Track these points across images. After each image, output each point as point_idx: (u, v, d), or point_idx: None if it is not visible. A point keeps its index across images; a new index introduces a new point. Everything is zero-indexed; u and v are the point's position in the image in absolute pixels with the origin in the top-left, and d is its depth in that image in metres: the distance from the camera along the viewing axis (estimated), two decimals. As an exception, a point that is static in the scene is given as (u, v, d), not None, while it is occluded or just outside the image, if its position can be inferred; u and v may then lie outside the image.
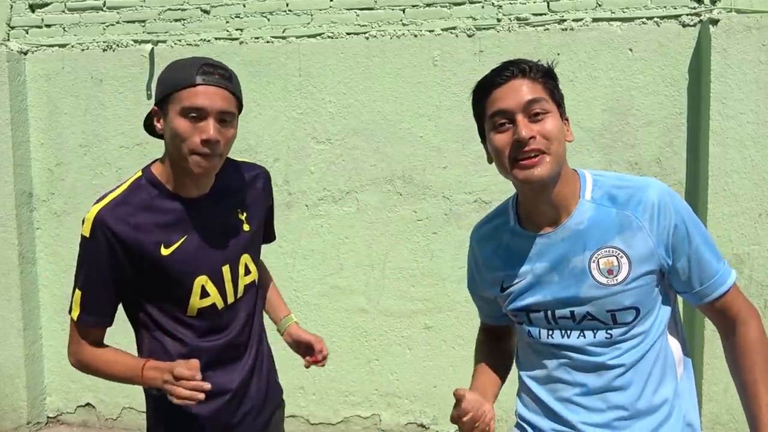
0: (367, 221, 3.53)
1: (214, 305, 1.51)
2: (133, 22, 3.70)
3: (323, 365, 1.74)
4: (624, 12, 3.25)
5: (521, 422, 1.39)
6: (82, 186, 3.79)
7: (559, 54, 3.30)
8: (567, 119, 1.31)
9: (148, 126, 1.52)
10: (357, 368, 3.64)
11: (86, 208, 3.83)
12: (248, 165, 1.67)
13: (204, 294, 1.49)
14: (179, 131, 1.38)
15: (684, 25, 3.21)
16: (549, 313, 1.29)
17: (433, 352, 3.57)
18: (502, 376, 1.46)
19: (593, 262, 1.25)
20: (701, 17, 3.18)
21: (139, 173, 1.49)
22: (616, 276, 1.24)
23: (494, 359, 1.48)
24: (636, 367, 1.26)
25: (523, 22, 3.33)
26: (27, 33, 3.82)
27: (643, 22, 3.23)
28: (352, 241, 3.54)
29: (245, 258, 1.57)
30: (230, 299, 1.54)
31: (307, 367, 1.76)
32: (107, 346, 1.52)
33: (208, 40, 3.60)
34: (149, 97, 3.68)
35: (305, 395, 3.68)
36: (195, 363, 1.36)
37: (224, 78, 1.41)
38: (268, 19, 3.56)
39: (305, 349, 1.76)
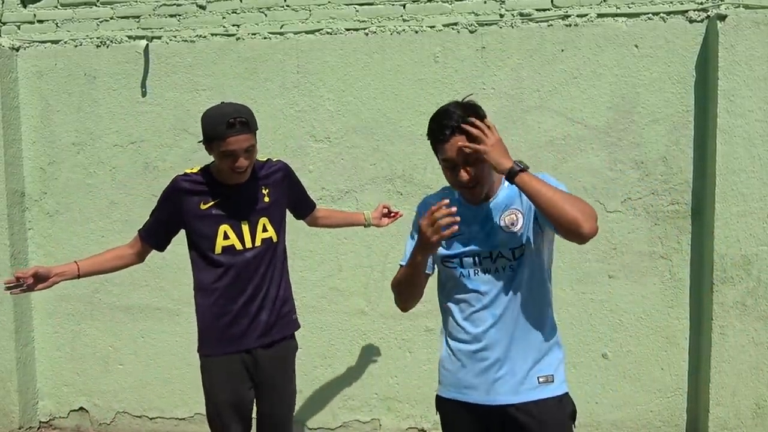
0: (366, 221, 3.54)
1: (233, 246, 2.34)
2: (128, 17, 3.71)
3: (398, 214, 2.95)
4: (629, 7, 3.26)
5: (449, 343, 2.05)
6: (75, 185, 3.79)
7: (563, 50, 3.31)
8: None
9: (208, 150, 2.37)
10: (356, 372, 3.64)
11: (80, 208, 3.86)
12: (274, 162, 2.52)
13: (225, 237, 2.34)
14: (223, 166, 2.28)
15: (691, 21, 3.21)
16: (476, 257, 1.94)
17: (435, 355, 3.55)
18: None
19: (502, 219, 1.92)
20: (708, 12, 3.18)
21: (201, 167, 2.40)
22: (515, 226, 1.91)
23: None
24: (522, 287, 1.92)
25: (526, 18, 3.34)
26: (19, 29, 3.83)
27: (649, 18, 3.24)
28: (351, 241, 3.55)
29: (264, 220, 2.39)
30: (248, 245, 2.35)
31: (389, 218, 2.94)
32: (122, 257, 2.46)
33: (204, 36, 3.60)
34: (144, 94, 3.69)
35: (303, 399, 3.69)
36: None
37: (244, 125, 2.23)
38: (266, 15, 3.57)
39: (383, 217, 2.92)
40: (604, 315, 3.41)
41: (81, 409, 3.93)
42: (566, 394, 1.93)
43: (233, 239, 2.34)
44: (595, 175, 3.32)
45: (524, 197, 1.85)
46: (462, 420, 1.96)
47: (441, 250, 1.96)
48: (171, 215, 2.37)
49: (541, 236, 1.93)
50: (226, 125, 2.18)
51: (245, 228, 2.35)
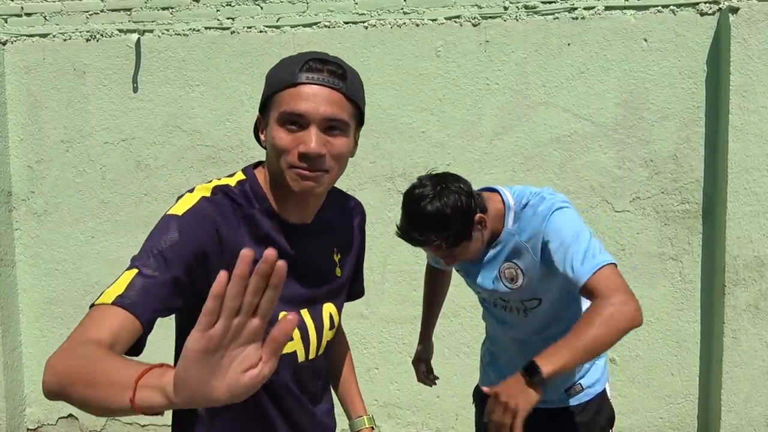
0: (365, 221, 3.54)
1: (294, 354, 1.29)
2: (119, 10, 3.71)
3: None
4: (638, 0, 3.26)
5: (489, 351, 2.15)
6: (64, 184, 3.79)
7: (569, 44, 3.31)
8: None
9: (257, 136, 1.29)
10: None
11: (69, 208, 3.86)
12: (343, 194, 1.48)
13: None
14: (276, 143, 1.18)
15: (702, 14, 3.21)
16: (488, 299, 1.98)
17: (436, 360, 3.55)
18: (442, 300, 2.45)
19: (501, 273, 1.86)
20: (720, 5, 3.18)
21: (242, 176, 1.28)
22: (516, 282, 1.85)
23: (441, 286, 2.39)
24: (541, 330, 1.92)
25: (531, 11, 3.34)
26: (6, 22, 3.83)
27: (659, 11, 3.24)
28: (351, 242, 3.55)
29: (330, 307, 1.38)
30: (312, 354, 1.32)
31: None
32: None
33: (198, 30, 3.60)
34: (135, 90, 3.69)
35: (300, 406, 3.69)
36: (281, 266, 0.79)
37: (335, 76, 1.20)
38: (261, 7, 3.56)
39: None
40: (612, 318, 3.41)
41: (70, 416, 3.93)
42: (594, 399, 1.96)
43: (296, 343, 1.30)
44: (603, 174, 3.32)
45: (527, 250, 1.80)
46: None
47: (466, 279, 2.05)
48: (196, 261, 1.17)
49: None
50: (303, 65, 1.19)
51: (308, 320, 1.32)
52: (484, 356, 2.18)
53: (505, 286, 1.88)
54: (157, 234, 1.14)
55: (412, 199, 1.75)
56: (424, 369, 2.44)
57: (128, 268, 1.11)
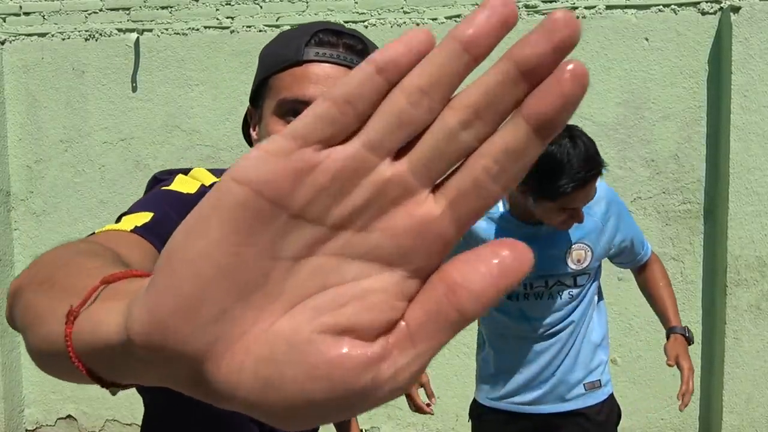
0: (366, 221, 3.54)
1: None
2: (117, 9, 3.71)
3: None
4: (639, -1, 3.26)
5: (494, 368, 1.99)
6: (63, 184, 3.79)
7: (570, 43, 3.31)
8: None
9: (247, 134, 1.07)
10: (355, 378, 3.64)
11: (67, 208, 3.86)
12: None
13: None
14: None
15: (703, 13, 3.21)
16: (527, 284, 1.84)
17: (436, 360, 3.54)
18: None
19: (569, 254, 1.81)
20: (722, 4, 3.18)
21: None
22: (583, 263, 1.83)
23: None
24: (577, 319, 1.91)
25: (531, 10, 3.34)
26: (4, 21, 3.83)
27: (660, 10, 3.24)
28: (350, 242, 3.55)
29: None
30: None
31: None
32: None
33: (197, 29, 3.60)
34: (134, 89, 3.68)
35: (300, 407, 3.69)
36: None
37: (353, 51, 0.93)
38: (261, 7, 3.56)
39: None
40: (613, 319, 3.40)
41: (69, 416, 3.93)
42: (608, 399, 1.99)
43: None
44: (604, 173, 3.31)
45: (597, 227, 1.83)
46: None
47: None
48: None
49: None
50: (311, 37, 0.93)
51: None
52: (484, 368, 2.06)
53: (568, 266, 1.83)
54: (157, 200, 0.88)
55: (553, 152, 1.69)
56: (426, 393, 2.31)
57: (136, 213, 0.83)
